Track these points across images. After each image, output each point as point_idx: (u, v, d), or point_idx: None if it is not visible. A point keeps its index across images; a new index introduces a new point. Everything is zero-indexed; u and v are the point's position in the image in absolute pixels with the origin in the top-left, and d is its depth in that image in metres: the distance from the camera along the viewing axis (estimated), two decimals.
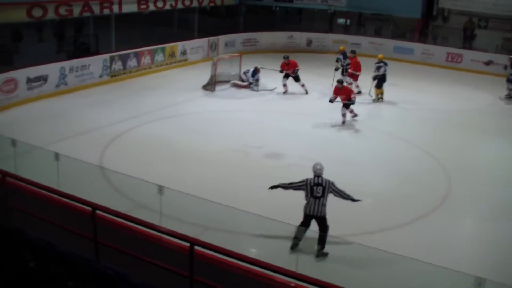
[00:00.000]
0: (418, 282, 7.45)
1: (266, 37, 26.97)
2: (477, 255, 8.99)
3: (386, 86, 18.68)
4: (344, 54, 19.63)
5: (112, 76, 18.77)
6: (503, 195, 11.44)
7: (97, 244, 6.30)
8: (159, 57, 21.06)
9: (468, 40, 27.36)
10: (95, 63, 18.15)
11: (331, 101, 15.32)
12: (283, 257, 6.58)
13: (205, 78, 18.80)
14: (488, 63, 25.15)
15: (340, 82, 15.52)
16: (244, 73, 19.15)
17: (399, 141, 14.54)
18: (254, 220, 8.10)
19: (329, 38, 28.05)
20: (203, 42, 23.74)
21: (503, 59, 24.53)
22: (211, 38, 24.16)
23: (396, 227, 9.69)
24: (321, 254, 8.16)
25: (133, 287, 5.17)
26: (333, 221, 9.33)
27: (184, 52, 22.48)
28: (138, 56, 19.91)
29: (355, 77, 18.85)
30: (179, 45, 22.22)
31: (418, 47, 26.75)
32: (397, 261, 7.16)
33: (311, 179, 8.41)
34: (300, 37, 27.71)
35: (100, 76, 18.33)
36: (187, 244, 5.60)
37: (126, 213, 6.72)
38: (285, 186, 8.69)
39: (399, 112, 17.41)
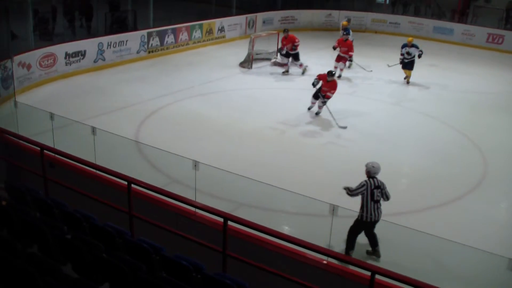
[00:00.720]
0: (451, 263, 7.38)
1: (304, 15, 26.77)
2: (508, 236, 8.84)
3: (424, 67, 18.37)
4: (347, 30, 18.61)
5: (149, 52, 18.87)
6: None
7: (132, 217, 6.37)
8: (197, 34, 21.07)
9: (510, 21, 26.67)
10: (133, 39, 18.25)
11: (313, 84, 13.64)
12: (315, 235, 6.55)
13: (242, 55, 18.76)
14: None
15: (330, 74, 13.74)
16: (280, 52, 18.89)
17: (435, 122, 14.30)
18: (288, 197, 8.10)
19: (368, 17, 27.69)
20: (241, 19, 23.66)
21: None
22: (249, 16, 24.08)
23: (430, 208, 9.56)
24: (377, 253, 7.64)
25: (167, 260, 5.25)
26: None
27: (221, 29, 22.46)
28: (175, 32, 19.96)
29: (344, 60, 17.74)
30: (216, 22, 22.21)
31: (458, 28, 26.18)
32: (430, 241, 7.07)
33: (370, 181, 7.56)
34: (339, 16, 27.36)
35: (138, 52, 18.44)
36: (221, 219, 5.62)
37: (161, 188, 6.77)
38: (350, 194, 7.67)
39: (437, 93, 17.09)
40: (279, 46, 18.45)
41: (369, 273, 4.74)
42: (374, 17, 27.68)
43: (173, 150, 9.55)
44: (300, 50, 18.12)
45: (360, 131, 13.01)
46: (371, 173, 7.61)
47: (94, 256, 5.02)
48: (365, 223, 7.48)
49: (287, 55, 17.84)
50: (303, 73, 17.87)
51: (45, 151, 7.42)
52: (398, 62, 17.47)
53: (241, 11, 24.20)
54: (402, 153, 12.08)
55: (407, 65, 17.45)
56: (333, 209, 6.47)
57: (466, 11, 27.61)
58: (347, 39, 17.55)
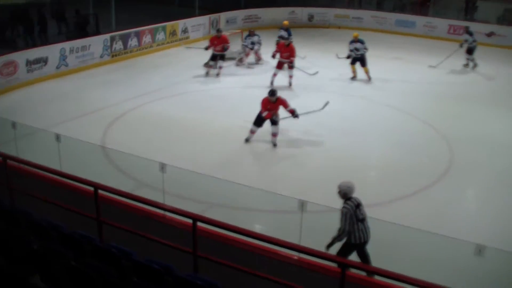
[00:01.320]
0: (421, 252, 7.45)
1: (267, 13, 26.83)
2: (481, 224, 8.96)
3: (389, 60, 18.55)
4: (288, 30, 18.43)
5: (113, 56, 18.68)
6: (505, 165, 11.41)
7: (100, 223, 6.29)
8: (160, 36, 20.95)
9: (469, 12, 27.11)
10: (96, 43, 18.03)
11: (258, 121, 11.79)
12: (286, 231, 6.56)
13: (207, 55, 18.68)
14: (490, 34, 24.94)
15: (272, 94, 11.57)
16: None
17: (401, 114, 14.47)
18: (258, 195, 8.10)
19: (331, 13, 27.87)
20: (204, 19, 23.61)
21: (505, 30, 24.48)
22: (212, 15, 24.04)
23: (400, 199, 9.66)
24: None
25: (138, 264, 5.18)
26: (336, 195, 9.39)
27: (185, 30, 22.38)
28: (139, 35, 19.80)
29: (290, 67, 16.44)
30: (180, 23, 22.11)
31: (420, 20, 26.53)
32: (400, 232, 7.14)
33: (350, 204, 6.82)
34: (302, 13, 27.55)
35: (101, 57, 18.24)
36: (190, 221, 5.58)
37: (129, 192, 6.69)
38: (339, 237, 6.82)
39: (402, 86, 17.28)
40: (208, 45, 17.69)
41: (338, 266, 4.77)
42: (337, 12, 27.88)
43: (141, 153, 9.50)
44: (264, 48, 18.15)
45: (328, 127, 13.06)
46: (347, 195, 6.90)
47: (62, 265, 4.93)
48: (355, 245, 6.84)
49: (214, 57, 17.35)
50: (206, 73, 17.38)
51: (8, 160, 7.28)
52: (346, 56, 17.45)
53: (204, 11, 24.14)
54: (370, 146, 12.20)
55: (359, 61, 17.37)
56: (302, 204, 6.49)
57: (427, 4, 27.97)
58: (289, 44, 16.47)
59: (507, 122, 14.26)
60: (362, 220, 6.79)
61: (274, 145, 11.78)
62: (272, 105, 11.55)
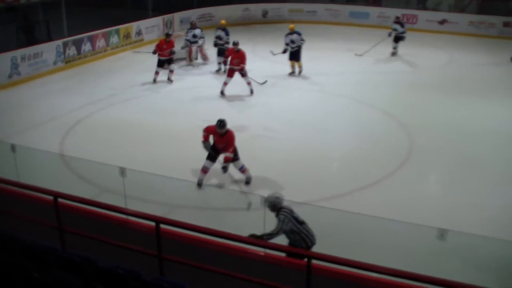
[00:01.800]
0: (385, 240, 7.54)
1: (221, 11, 26.72)
2: (444, 208, 9.12)
3: (343, 52, 18.68)
4: (226, 30, 17.82)
5: (66, 62, 18.35)
6: (463, 149, 11.65)
7: (62, 232, 6.18)
8: (114, 39, 20.70)
9: (421, 1, 27.58)
10: (48, 50, 17.67)
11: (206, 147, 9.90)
12: (251, 228, 6.57)
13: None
14: (442, 22, 25.45)
15: (220, 126, 9.55)
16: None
17: (359, 104, 14.65)
18: (221, 194, 8.09)
19: (285, 8, 27.97)
20: (157, 20, 23.41)
21: (456, 17, 24.99)
22: (166, 16, 23.86)
23: (362, 189, 9.77)
24: None
25: (102, 271, 5.11)
26: (300, 188, 9.46)
27: (139, 32, 22.17)
28: (92, 39, 19.51)
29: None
30: (133, 26, 21.88)
31: (373, 11, 26.91)
32: (364, 222, 7.22)
33: (286, 210, 6.77)
34: (256, 9, 27.58)
35: (55, 63, 17.89)
36: (153, 224, 5.53)
37: (90, 199, 6.60)
38: (271, 236, 6.57)
39: (358, 76, 17.48)
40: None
41: (305, 259, 4.78)
42: (290, 7, 28.00)
43: (101, 159, 9.38)
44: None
45: (287, 121, 13.15)
46: (277, 206, 6.79)
47: (24, 278, 4.83)
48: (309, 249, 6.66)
49: (161, 63, 16.79)
50: (154, 81, 16.75)
51: None
52: (282, 51, 17.23)
53: (157, 12, 23.92)
54: (330, 137, 12.31)
55: (293, 55, 17.19)
56: (265, 200, 6.50)
57: None
58: (239, 50, 15.12)
59: (461, 107, 14.57)
60: (302, 223, 6.71)
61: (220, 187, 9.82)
62: (219, 139, 9.65)
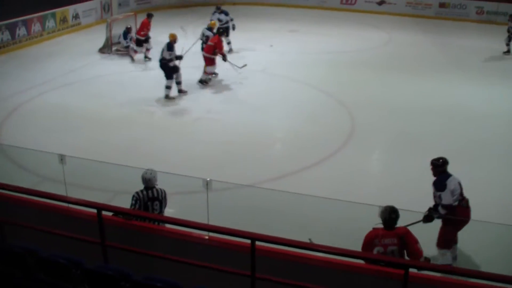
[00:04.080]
0: (331, 220, 7.66)
1: None
2: (386, 185, 9.32)
3: (285, 33, 18.73)
4: (224, 12, 17.55)
5: (0, 48, 17.74)
6: (403, 127, 11.96)
7: (1, 224, 6.02)
8: (50, 24, 20.08)
9: None
10: None
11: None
12: (194, 212, 6.56)
13: (101, 41, 18.17)
14: (381, 3, 25.84)
15: None
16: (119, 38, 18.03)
17: (301, 85, 14.77)
18: (164, 178, 8.00)
19: None
20: (95, 3, 22.82)
21: None
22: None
23: (306, 169, 9.89)
24: None
25: (43, 261, 5.02)
26: (244, 170, 9.52)
27: (76, 16, 21.56)
28: (26, 24, 18.86)
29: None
30: (70, 9, 21.23)
31: None
32: (308, 201, 7.30)
33: (143, 193, 6.71)
34: None
35: None
36: (95, 211, 5.45)
37: (29, 188, 6.44)
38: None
39: (300, 57, 17.59)
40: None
41: (249, 241, 4.81)
42: None
43: (41, 146, 9.17)
44: (156, 30, 17.72)
45: (229, 103, 13.16)
46: (144, 183, 6.78)
47: None
48: None
49: (140, 42, 17.05)
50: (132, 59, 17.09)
51: None
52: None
53: None
54: (273, 118, 12.40)
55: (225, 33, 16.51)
56: (207, 183, 6.49)
57: None
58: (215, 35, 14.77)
59: (400, 85, 14.89)
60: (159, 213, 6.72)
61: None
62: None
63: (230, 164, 9.92)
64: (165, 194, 6.86)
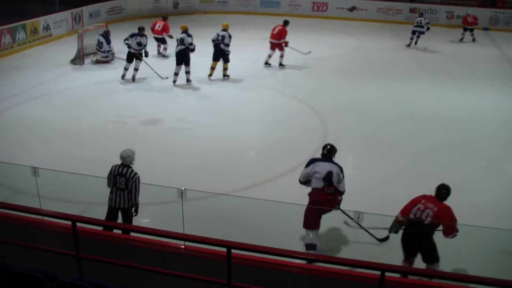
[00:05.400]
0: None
1: (131, 3, 26.25)
2: (358, 190, 9.38)
3: (257, 41, 18.81)
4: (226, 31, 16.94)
5: None
6: (374, 131, 12.20)
7: None
8: (21, 35, 19.85)
9: None
10: None
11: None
12: (169, 221, 6.57)
13: (73, 52, 18.05)
14: (352, 9, 26.13)
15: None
16: (98, 46, 17.89)
17: (274, 93, 14.86)
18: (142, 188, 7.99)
19: None
20: (66, 15, 22.66)
21: (365, 4, 25.72)
22: (74, 10, 23.10)
23: (279, 177, 9.93)
24: None
25: (17, 275, 4.97)
26: (217, 178, 9.54)
27: (47, 27, 21.36)
28: None
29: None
30: (41, 20, 21.02)
31: (284, 0, 27.19)
32: (283, 208, 7.32)
33: (116, 168, 7.39)
34: (166, 1, 27.25)
35: None
36: (69, 223, 5.42)
37: (1, 201, 6.39)
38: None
39: (272, 65, 17.64)
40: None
41: (225, 249, 4.83)
42: None
43: (13, 160, 9.04)
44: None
45: (201, 111, 13.22)
46: (123, 162, 7.39)
47: None
48: (110, 208, 7.29)
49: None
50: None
51: None
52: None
53: (65, 6, 23.13)
54: (246, 127, 12.48)
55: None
56: (181, 193, 6.51)
57: None
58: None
59: (373, 90, 15.09)
60: (119, 189, 7.21)
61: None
62: None
63: (204, 174, 9.93)
64: (135, 177, 7.21)
